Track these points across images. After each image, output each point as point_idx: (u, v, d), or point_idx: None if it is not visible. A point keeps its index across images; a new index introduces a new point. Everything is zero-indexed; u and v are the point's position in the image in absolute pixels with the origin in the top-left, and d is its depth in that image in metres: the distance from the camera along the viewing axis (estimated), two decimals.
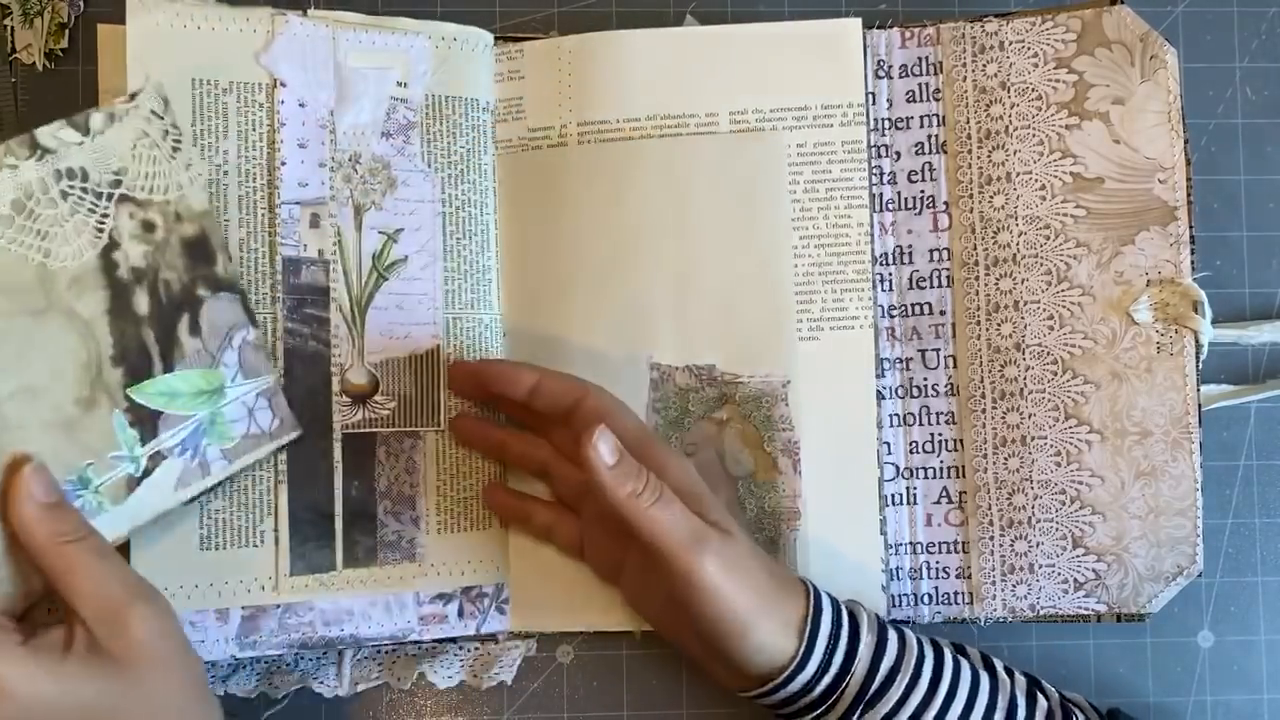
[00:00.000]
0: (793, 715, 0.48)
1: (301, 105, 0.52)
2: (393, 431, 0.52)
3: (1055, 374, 0.53)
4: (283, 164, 0.51)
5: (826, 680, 0.46)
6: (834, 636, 0.46)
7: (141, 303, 0.46)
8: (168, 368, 0.47)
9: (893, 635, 0.48)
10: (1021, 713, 0.47)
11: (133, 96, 0.46)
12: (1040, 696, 0.49)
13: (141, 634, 0.40)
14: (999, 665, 0.50)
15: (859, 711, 0.46)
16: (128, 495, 0.46)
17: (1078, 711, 0.49)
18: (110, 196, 0.46)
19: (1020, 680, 0.49)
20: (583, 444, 0.45)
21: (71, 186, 0.45)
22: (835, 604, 0.48)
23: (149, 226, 0.46)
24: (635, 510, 0.45)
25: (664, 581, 0.46)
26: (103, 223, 0.45)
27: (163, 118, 0.46)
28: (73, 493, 0.44)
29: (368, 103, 0.52)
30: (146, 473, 0.47)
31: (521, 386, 0.50)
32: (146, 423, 0.46)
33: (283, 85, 0.51)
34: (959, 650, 0.50)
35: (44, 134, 0.44)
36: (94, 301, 0.45)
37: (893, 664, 0.47)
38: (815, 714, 0.47)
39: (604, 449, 0.45)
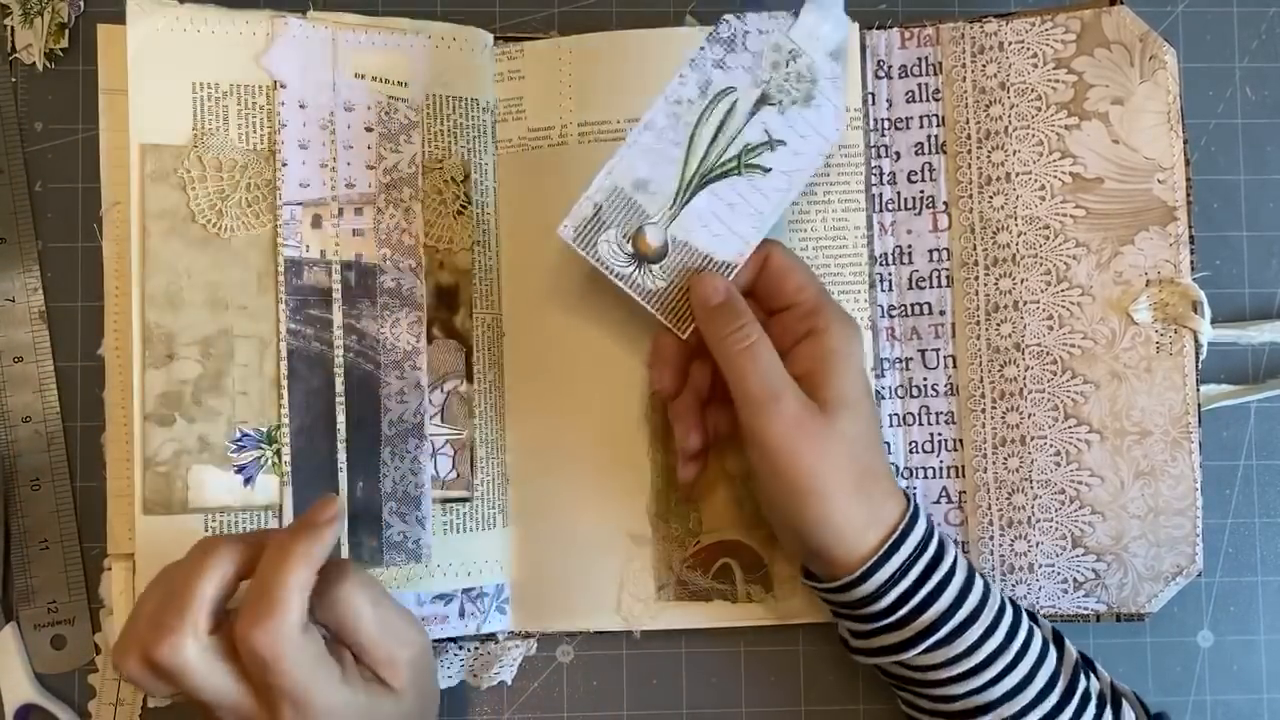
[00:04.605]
0: (864, 619, 0.47)
1: (302, 106, 0.52)
2: (396, 434, 0.52)
3: (1055, 374, 0.53)
4: (284, 165, 0.51)
5: (901, 588, 0.46)
6: (921, 548, 0.46)
7: None
8: None
9: (979, 579, 0.48)
10: (1081, 684, 0.47)
11: (440, 161, 0.53)
12: (1094, 678, 0.49)
13: (407, 676, 0.45)
14: (1067, 641, 0.49)
15: (929, 641, 0.46)
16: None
17: (1125, 704, 0.49)
18: None
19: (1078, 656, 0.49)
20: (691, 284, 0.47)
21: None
22: (931, 524, 0.48)
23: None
24: (720, 352, 0.46)
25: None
26: None
27: (459, 184, 0.53)
28: (252, 444, 0.51)
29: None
30: None
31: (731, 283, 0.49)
32: None
33: (282, 87, 0.51)
34: (1031, 616, 0.49)
35: None
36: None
37: (976, 605, 0.46)
38: (882, 624, 0.46)
39: (706, 288, 0.47)
